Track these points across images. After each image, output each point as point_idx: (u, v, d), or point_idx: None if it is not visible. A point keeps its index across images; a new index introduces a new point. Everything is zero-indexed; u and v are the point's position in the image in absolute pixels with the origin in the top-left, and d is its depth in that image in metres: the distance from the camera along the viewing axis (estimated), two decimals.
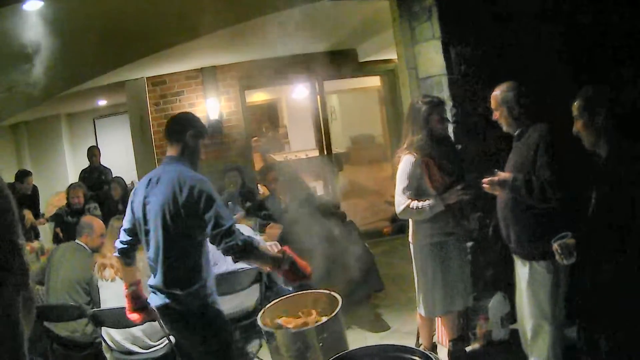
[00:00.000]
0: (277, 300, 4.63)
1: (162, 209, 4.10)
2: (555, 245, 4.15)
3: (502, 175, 4.66)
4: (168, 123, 4.45)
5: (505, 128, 4.83)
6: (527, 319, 4.81)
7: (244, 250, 3.98)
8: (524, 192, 4.52)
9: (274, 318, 4.82)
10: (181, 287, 4.11)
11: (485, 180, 4.70)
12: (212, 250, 6.10)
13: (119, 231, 6.15)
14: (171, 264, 4.15)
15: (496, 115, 4.82)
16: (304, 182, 8.20)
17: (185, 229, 4.11)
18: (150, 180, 4.30)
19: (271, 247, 6.99)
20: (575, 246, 4.09)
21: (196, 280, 4.17)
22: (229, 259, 6.10)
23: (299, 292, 4.71)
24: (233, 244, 3.95)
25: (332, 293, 4.69)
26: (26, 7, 4.90)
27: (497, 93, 4.78)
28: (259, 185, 11.26)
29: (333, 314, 4.38)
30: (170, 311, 4.17)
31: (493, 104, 4.82)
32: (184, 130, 4.33)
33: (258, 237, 6.43)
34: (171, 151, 4.38)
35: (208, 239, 4.17)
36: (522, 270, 4.76)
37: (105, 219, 7.03)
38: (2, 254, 1.16)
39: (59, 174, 15.03)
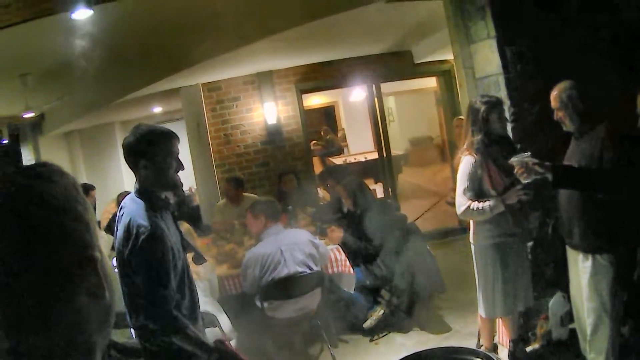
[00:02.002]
0: None
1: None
2: (514, 160, 4.40)
3: (537, 161, 4.57)
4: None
5: (566, 127, 4.77)
6: (587, 314, 4.75)
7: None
8: (593, 184, 4.50)
9: None
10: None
11: (513, 160, 4.62)
12: (272, 253, 6.16)
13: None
14: None
15: (557, 114, 4.76)
16: (365, 184, 8.17)
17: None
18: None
19: (332, 250, 7.00)
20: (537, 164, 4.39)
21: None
22: (290, 262, 6.18)
23: None
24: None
25: None
26: (75, 15, 4.96)
27: (557, 92, 4.72)
28: (319, 189, 11.27)
29: None
30: None
31: (553, 103, 4.76)
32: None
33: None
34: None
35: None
36: (584, 265, 4.69)
37: None
38: (79, 267, 1.17)
39: (115, 182, 15.16)
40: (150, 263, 3.50)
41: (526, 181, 4.65)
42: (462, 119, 6.29)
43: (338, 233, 7.51)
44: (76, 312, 1.20)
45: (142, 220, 3.51)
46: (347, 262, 7.05)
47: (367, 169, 15.11)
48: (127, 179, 15.26)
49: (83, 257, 1.21)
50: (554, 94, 4.74)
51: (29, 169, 1.26)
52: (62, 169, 1.30)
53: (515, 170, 4.60)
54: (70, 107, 11.42)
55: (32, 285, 1.13)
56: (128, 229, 3.51)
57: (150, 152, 3.71)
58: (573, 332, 5.30)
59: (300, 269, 6.22)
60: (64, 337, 1.19)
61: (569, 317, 5.51)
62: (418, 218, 8.26)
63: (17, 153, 13.41)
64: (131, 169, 3.80)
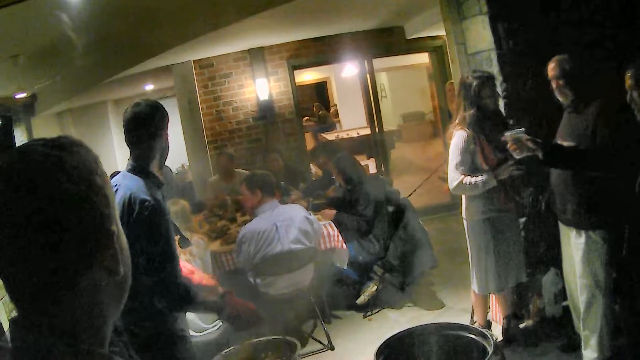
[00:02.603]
0: (232, 349, 4.43)
1: None
2: (507, 134, 4.43)
3: (530, 137, 4.57)
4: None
5: (560, 98, 4.76)
6: (580, 291, 4.77)
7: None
8: (585, 162, 4.50)
9: None
10: None
11: (507, 135, 4.64)
12: (267, 229, 6.16)
13: (175, 215, 6.23)
14: None
15: (553, 83, 4.76)
16: (357, 161, 8.17)
17: None
18: None
19: (325, 226, 7.02)
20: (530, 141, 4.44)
21: None
22: (284, 238, 6.18)
23: (258, 339, 4.55)
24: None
25: (289, 339, 4.55)
26: None
27: (555, 64, 4.71)
28: (311, 165, 11.28)
29: None
30: None
31: (550, 74, 4.76)
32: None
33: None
34: None
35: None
36: (577, 241, 4.70)
37: None
38: (95, 239, 1.17)
39: (108, 161, 14.88)
40: (159, 236, 3.44)
41: (518, 157, 4.67)
42: (452, 82, 6.32)
43: (330, 210, 7.52)
44: (91, 284, 1.22)
45: (144, 195, 3.44)
46: (340, 238, 7.05)
47: (359, 144, 15.11)
48: (120, 158, 15.23)
49: (101, 229, 1.24)
50: (551, 65, 4.74)
51: (51, 140, 1.27)
52: (82, 142, 1.32)
53: (508, 146, 4.61)
54: (62, 87, 11.36)
55: (51, 255, 1.16)
56: (129, 204, 3.41)
57: (160, 125, 3.69)
58: (566, 309, 5.32)
59: (294, 246, 6.24)
60: (77, 309, 1.21)
61: (562, 294, 5.52)
62: (411, 194, 8.25)
63: (10, 134, 13.37)
64: (132, 144, 3.73)
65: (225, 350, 4.35)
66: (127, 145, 3.76)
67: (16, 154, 1.23)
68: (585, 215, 4.63)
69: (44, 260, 1.16)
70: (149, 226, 3.40)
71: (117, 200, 3.44)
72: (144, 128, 3.66)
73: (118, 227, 1.30)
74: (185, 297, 3.47)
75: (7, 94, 10.34)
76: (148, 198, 3.42)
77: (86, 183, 1.23)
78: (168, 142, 3.80)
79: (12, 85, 9.47)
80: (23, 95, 10.72)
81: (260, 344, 4.38)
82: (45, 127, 14.29)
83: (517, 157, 4.69)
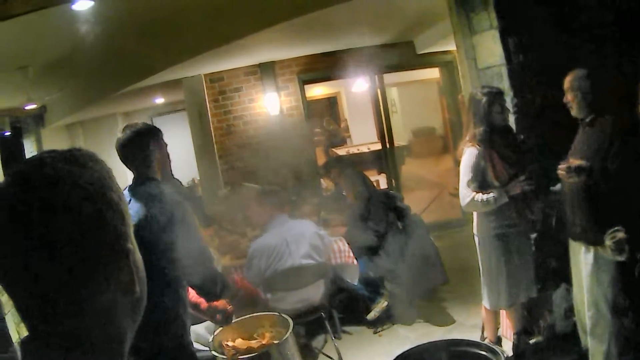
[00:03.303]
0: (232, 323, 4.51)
1: None
2: (608, 242, 4.16)
3: (577, 162, 4.59)
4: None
5: (575, 113, 4.75)
6: (587, 307, 4.75)
7: None
8: (600, 179, 4.47)
9: (227, 341, 4.65)
10: None
11: (561, 167, 4.63)
12: (277, 244, 6.15)
13: None
14: None
15: (567, 98, 4.75)
16: (366, 176, 8.17)
17: None
18: None
19: (335, 241, 7.00)
20: (627, 241, 4.15)
21: None
22: (295, 253, 6.17)
23: (252, 315, 4.62)
24: None
25: (284, 316, 4.60)
26: (76, 7, 4.94)
27: (572, 78, 4.71)
28: (322, 180, 11.27)
29: (283, 338, 4.26)
30: None
31: (566, 87, 4.75)
32: None
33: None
34: None
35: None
36: (586, 257, 4.69)
37: None
38: (109, 258, 1.15)
39: (118, 175, 14.92)
40: (190, 231, 3.74)
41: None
42: (463, 95, 6.33)
43: (342, 225, 7.52)
44: (106, 302, 1.20)
45: (167, 198, 3.69)
46: (351, 253, 7.05)
47: (370, 159, 15.09)
48: (130, 171, 15.27)
49: (117, 247, 1.21)
50: (567, 79, 4.74)
51: (65, 153, 1.24)
52: (97, 156, 1.30)
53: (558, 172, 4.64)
54: (72, 99, 11.41)
55: (64, 273, 1.13)
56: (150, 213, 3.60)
57: (161, 142, 4.01)
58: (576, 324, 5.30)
59: (304, 261, 6.23)
60: (93, 328, 1.19)
61: (572, 309, 5.51)
62: (423, 211, 8.24)
63: (19, 145, 13.40)
64: (135, 163, 3.87)
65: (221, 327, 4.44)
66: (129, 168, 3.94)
67: (27, 167, 1.20)
68: (594, 231, 4.61)
69: (56, 279, 1.14)
70: (185, 223, 3.70)
71: (135, 211, 3.64)
72: (146, 145, 3.94)
73: (134, 245, 1.28)
74: (225, 281, 3.87)
75: (17, 104, 10.39)
76: (176, 198, 3.66)
77: (101, 199, 1.20)
78: (167, 154, 3.96)
79: (21, 96, 9.52)
80: (33, 106, 10.78)
81: (256, 319, 4.45)
82: (55, 139, 14.34)
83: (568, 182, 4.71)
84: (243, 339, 4.49)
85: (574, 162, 4.58)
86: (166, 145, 4.14)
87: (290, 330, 4.29)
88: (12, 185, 1.16)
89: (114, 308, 1.22)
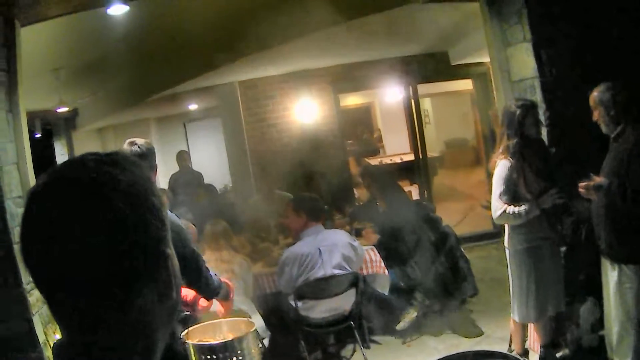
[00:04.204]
0: (198, 325, 4.56)
1: None
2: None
3: (597, 179, 4.60)
4: None
5: (603, 129, 4.77)
6: (613, 322, 4.75)
7: None
8: (617, 198, 4.47)
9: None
10: None
11: (581, 184, 4.66)
12: (310, 253, 6.18)
13: (214, 236, 6.31)
14: None
15: (595, 115, 4.76)
16: (400, 187, 8.18)
17: None
18: None
19: (367, 251, 7.02)
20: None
21: None
22: (327, 263, 6.19)
23: (219, 320, 4.66)
24: None
25: (250, 320, 4.64)
26: (111, 11, 5.00)
27: (595, 93, 4.72)
28: (355, 189, 11.27)
29: (241, 335, 4.29)
30: None
31: (591, 104, 4.76)
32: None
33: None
34: None
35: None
36: (611, 273, 4.71)
37: (196, 224, 7.10)
38: (150, 263, 1.15)
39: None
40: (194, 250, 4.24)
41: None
42: (496, 109, 6.34)
43: (374, 234, 7.53)
44: (143, 308, 1.19)
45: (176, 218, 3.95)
46: (382, 264, 7.06)
47: (402, 170, 15.07)
48: (162, 176, 15.33)
49: (156, 251, 1.21)
50: (591, 95, 4.75)
51: (107, 155, 1.23)
52: (139, 161, 1.28)
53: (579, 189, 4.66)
54: (105, 103, 11.49)
55: (105, 276, 1.13)
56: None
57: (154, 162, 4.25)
58: (603, 339, 5.28)
59: (336, 271, 6.25)
60: (127, 333, 1.19)
61: (599, 323, 5.49)
62: (457, 224, 8.22)
63: (50, 147, 13.49)
64: None
65: (191, 328, 4.52)
66: None
67: (67, 167, 1.22)
68: (618, 248, 4.62)
69: (95, 285, 1.13)
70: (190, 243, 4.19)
71: None
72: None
73: (171, 250, 1.27)
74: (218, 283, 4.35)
75: (49, 107, 10.45)
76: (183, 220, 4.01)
77: (143, 203, 1.19)
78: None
79: (53, 98, 9.57)
80: (64, 109, 10.83)
81: (223, 323, 4.54)
82: (86, 142, 14.38)
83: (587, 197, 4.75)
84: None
85: (595, 179, 4.60)
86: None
87: (252, 329, 4.35)
88: (51, 186, 1.17)
89: (150, 314, 1.21)
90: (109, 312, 1.15)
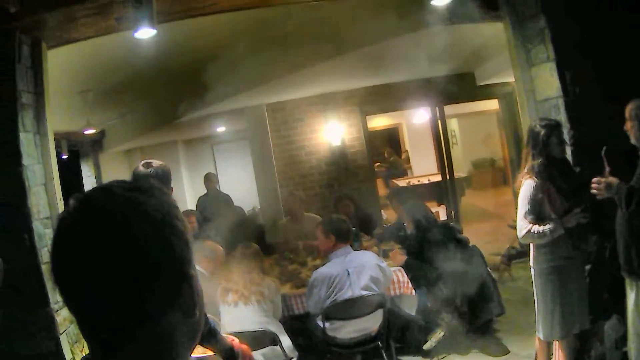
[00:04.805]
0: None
1: None
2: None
3: (610, 179, 4.62)
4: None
5: (632, 140, 4.77)
6: (632, 339, 4.75)
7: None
8: (622, 202, 4.49)
9: None
10: None
11: (594, 179, 4.68)
12: (339, 275, 6.19)
13: (245, 258, 6.35)
14: None
15: (627, 125, 4.78)
16: (428, 208, 8.19)
17: None
18: None
19: (395, 272, 7.05)
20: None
21: None
22: (355, 284, 6.21)
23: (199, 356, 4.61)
24: None
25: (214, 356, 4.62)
26: (138, 35, 5.06)
27: (631, 107, 4.73)
28: (382, 211, 11.28)
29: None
30: None
31: (626, 115, 4.78)
32: None
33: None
34: None
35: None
36: (630, 290, 4.73)
37: (225, 246, 7.13)
38: (174, 283, 1.20)
39: (177, 201, 14.86)
40: None
41: (600, 198, 4.71)
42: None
43: (401, 255, 7.55)
44: (168, 326, 1.24)
45: None
46: (410, 284, 7.07)
47: (430, 191, 15.08)
48: (190, 198, 15.38)
49: (182, 273, 1.26)
50: (628, 108, 4.76)
51: (133, 183, 1.31)
52: (163, 188, 1.34)
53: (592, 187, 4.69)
54: (133, 125, 11.57)
55: (131, 298, 1.18)
56: None
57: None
58: (627, 355, 5.27)
59: (364, 292, 6.24)
60: (152, 351, 1.23)
61: (623, 340, 5.47)
62: (484, 244, 8.20)
63: (77, 169, 13.57)
64: None
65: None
66: None
67: (96, 194, 1.27)
68: (635, 265, 4.62)
69: (124, 303, 1.18)
70: None
71: None
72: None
73: (195, 271, 1.31)
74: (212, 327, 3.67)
75: (76, 128, 10.56)
76: None
77: (167, 227, 1.25)
78: None
79: (81, 120, 9.67)
80: (92, 131, 10.95)
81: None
82: (113, 164, 14.43)
83: (600, 198, 4.73)
84: None
85: (609, 178, 4.62)
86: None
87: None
88: (80, 211, 1.23)
89: (174, 330, 1.26)
90: (135, 330, 1.21)
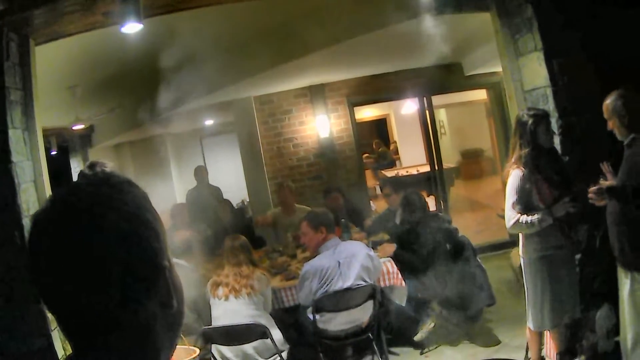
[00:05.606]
0: None
1: None
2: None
3: (609, 182, 4.63)
4: None
5: (618, 137, 4.79)
6: (627, 329, 4.76)
7: None
8: (631, 201, 4.49)
9: None
10: None
11: (591, 189, 4.68)
12: (330, 266, 6.19)
13: (233, 251, 6.34)
14: None
15: (610, 124, 4.79)
16: (424, 198, 8.14)
17: None
18: None
19: (385, 263, 7.05)
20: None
21: None
22: (346, 275, 6.21)
23: None
24: None
25: (191, 347, 4.65)
26: (125, 29, 5.04)
27: (608, 102, 4.75)
28: (371, 202, 11.28)
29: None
30: None
31: (605, 113, 4.79)
32: None
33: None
34: None
35: None
36: (624, 279, 4.73)
37: (215, 239, 7.11)
38: (149, 275, 1.21)
39: (166, 195, 15.07)
40: None
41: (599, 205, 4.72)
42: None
43: (390, 247, 7.55)
44: (145, 318, 1.24)
45: None
46: (399, 275, 7.07)
47: (419, 181, 15.08)
48: (179, 191, 15.35)
49: (153, 264, 1.26)
50: (604, 104, 4.78)
51: (101, 178, 1.32)
52: (131, 180, 1.36)
53: (589, 196, 4.68)
54: (121, 119, 11.51)
55: (102, 290, 1.18)
56: None
57: None
58: (619, 344, 5.28)
59: (355, 283, 6.25)
60: (132, 343, 1.23)
61: (615, 330, 5.48)
62: (474, 234, 8.20)
63: (66, 164, 13.53)
64: None
65: None
66: None
67: (66, 192, 1.28)
68: (630, 255, 4.64)
69: (96, 296, 1.19)
70: None
71: None
72: None
73: (170, 262, 1.32)
74: None
75: (64, 124, 10.50)
76: None
77: (137, 219, 1.26)
78: None
79: (69, 115, 9.62)
80: (80, 126, 10.90)
81: None
82: (102, 159, 14.39)
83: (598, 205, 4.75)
84: None
85: (604, 183, 4.62)
86: None
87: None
88: (51, 210, 1.24)
89: (152, 324, 1.26)
90: (114, 324, 1.21)
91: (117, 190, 1.28)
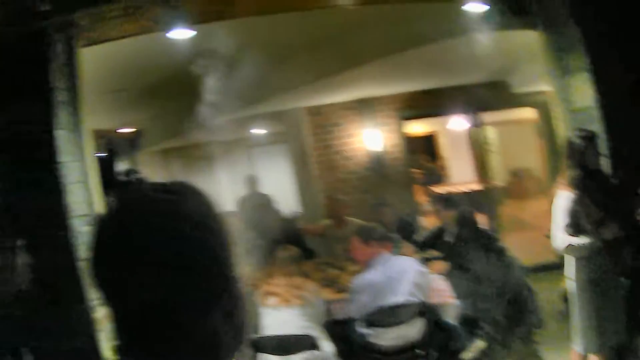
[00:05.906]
0: None
1: None
2: None
3: None
4: None
5: None
6: None
7: None
8: None
9: None
10: None
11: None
12: (381, 281, 6.20)
13: (285, 261, 6.40)
14: None
15: None
16: (476, 216, 8.11)
17: None
18: None
19: (436, 280, 7.05)
20: None
21: None
22: (397, 291, 6.21)
23: None
24: None
25: None
26: (175, 35, 5.10)
27: None
28: (421, 218, 11.26)
29: None
30: None
31: None
32: None
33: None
34: None
35: None
36: None
37: (265, 248, 7.19)
38: (214, 284, 1.25)
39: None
40: None
41: None
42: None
43: (442, 263, 7.56)
44: (208, 327, 1.26)
45: None
46: (450, 293, 7.08)
47: (469, 199, 15.00)
48: (226, 199, 15.32)
49: (219, 273, 1.28)
50: None
51: (167, 184, 1.33)
52: (196, 188, 1.36)
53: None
54: (170, 125, 11.60)
55: (169, 295, 1.21)
56: None
57: None
58: None
59: (406, 299, 6.25)
60: (194, 352, 1.25)
61: None
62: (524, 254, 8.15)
63: (112, 167, 13.59)
64: None
65: None
66: None
67: (131, 197, 1.32)
68: None
69: (162, 305, 1.20)
70: None
71: None
72: None
73: (234, 272, 1.33)
74: None
75: (112, 128, 10.66)
76: None
77: (201, 227, 1.26)
78: None
79: (118, 119, 9.71)
80: (127, 130, 11.12)
81: None
82: (149, 163, 14.39)
83: None
84: None
85: None
86: None
87: None
88: (117, 216, 1.29)
89: (216, 334, 1.27)
90: (178, 332, 1.24)
91: (181, 198, 1.30)
